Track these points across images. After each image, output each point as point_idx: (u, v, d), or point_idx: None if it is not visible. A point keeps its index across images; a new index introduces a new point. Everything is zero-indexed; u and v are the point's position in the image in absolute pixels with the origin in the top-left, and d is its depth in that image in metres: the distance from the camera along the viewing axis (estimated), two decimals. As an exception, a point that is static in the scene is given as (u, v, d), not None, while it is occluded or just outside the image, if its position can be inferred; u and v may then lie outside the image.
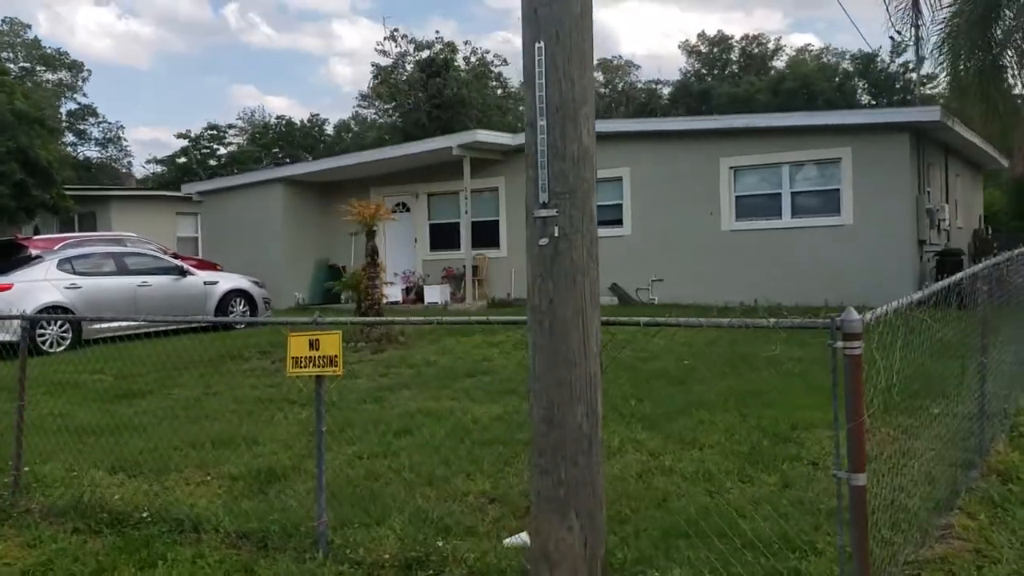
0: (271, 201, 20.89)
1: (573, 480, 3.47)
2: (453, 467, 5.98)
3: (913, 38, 16.30)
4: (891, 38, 18.32)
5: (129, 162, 58.75)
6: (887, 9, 14.75)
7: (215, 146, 53.48)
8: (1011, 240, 23.75)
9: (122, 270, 13.97)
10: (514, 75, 45.55)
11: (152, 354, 11.87)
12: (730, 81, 57.57)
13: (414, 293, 19.83)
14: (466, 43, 36.31)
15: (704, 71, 61.37)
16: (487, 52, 37.35)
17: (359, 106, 55.36)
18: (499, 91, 38.15)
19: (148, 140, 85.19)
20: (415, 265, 20.73)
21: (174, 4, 79.56)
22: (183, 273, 14.67)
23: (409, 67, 36.19)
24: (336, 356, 4.47)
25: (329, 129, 57.76)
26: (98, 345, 13.25)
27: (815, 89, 51.90)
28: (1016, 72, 17.87)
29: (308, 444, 6.73)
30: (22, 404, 5.89)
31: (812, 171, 16.36)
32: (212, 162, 52.77)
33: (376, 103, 55.69)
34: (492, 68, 37.77)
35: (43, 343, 12.72)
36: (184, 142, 52.92)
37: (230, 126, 56.05)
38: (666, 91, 61.46)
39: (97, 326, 12.52)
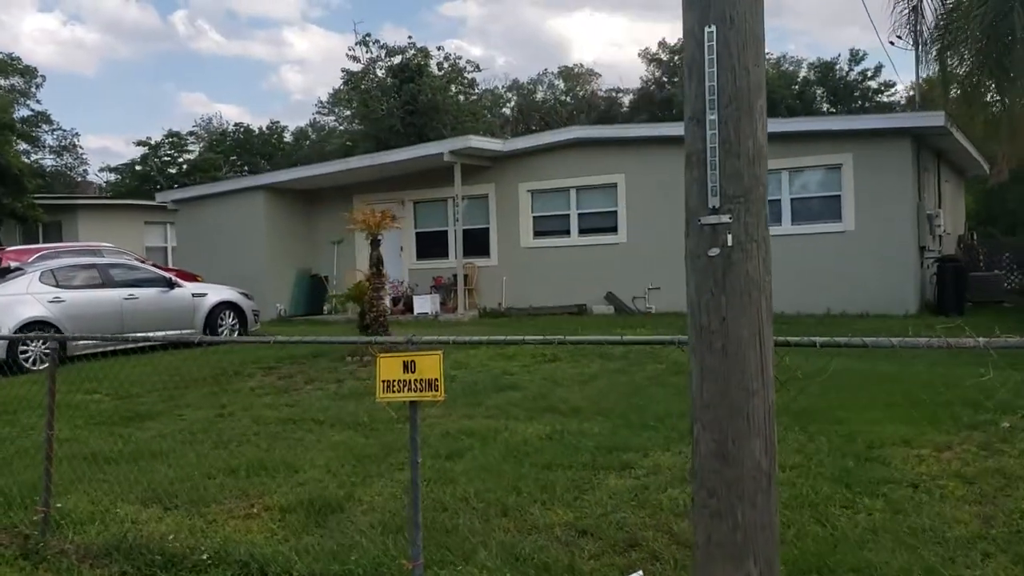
0: (252, 209, 20.25)
1: (751, 523, 3.07)
2: (523, 495, 5.54)
3: (912, 43, 16.20)
4: (891, 43, 18.08)
5: (85, 170, 57.20)
6: (892, 12, 14.65)
7: (176, 154, 52.21)
8: (996, 247, 23.94)
9: (107, 282, 13.29)
10: (485, 81, 45.31)
11: (146, 372, 11.28)
12: (691, 89, 57.66)
13: (403, 303, 19.32)
14: (439, 48, 35.93)
15: (665, 79, 61.56)
16: (459, 58, 36.89)
17: (319, 113, 54.66)
18: (472, 97, 37.69)
19: (96, 148, 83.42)
20: (402, 274, 20.20)
21: (120, 10, 77.92)
22: (171, 285, 14.02)
23: (380, 73, 35.59)
24: (437, 380, 4.02)
25: (288, 137, 56.89)
26: (84, 362, 12.56)
27: (775, 97, 52.23)
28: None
29: (354, 470, 6.29)
30: (51, 433, 5.34)
31: (812, 177, 16.20)
32: (172, 170, 51.58)
33: (336, 110, 55.02)
34: (466, 74, 37.31)
35: (25, 360, 12.04)
36: (143, 149, 51.58)
37: (190, 133, 54.84)
38: (626, 99, 61.50)
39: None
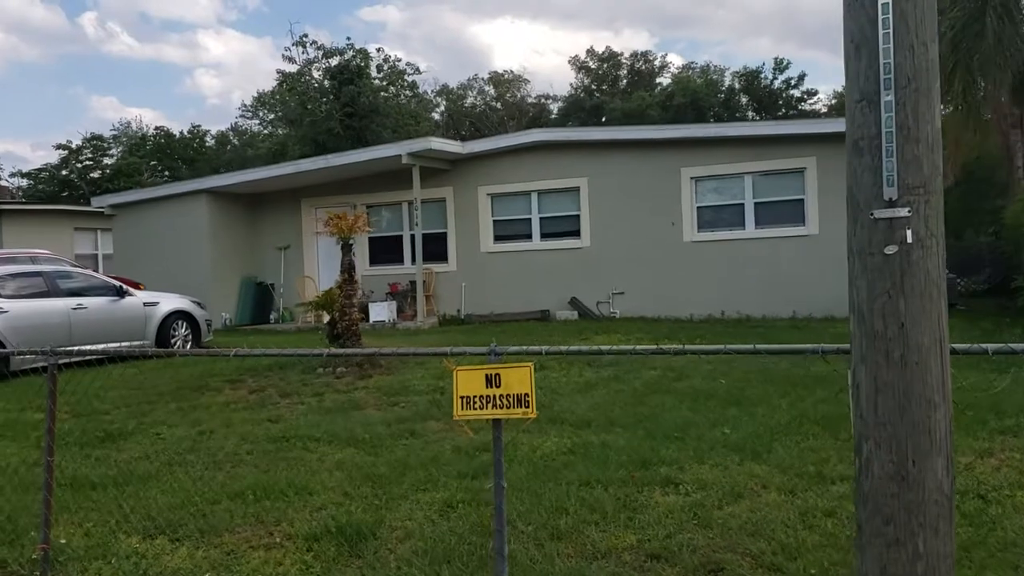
0: (194, 214, 19.37)
1: (933, 552, 2.74)
2: (571, 515, 5.15)
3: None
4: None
5: (-3, 176, 54.60)
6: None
7: (98, 158, 50.26)
8: (951, 250, 24.35)
9: (54, 291, 12.41)
10: (424, 83, 44.65)
11: (102, 387, 10.53)
12: (621, 96, 58.16)
13: (358, 311, 18.63)
14: (379, 50, 35.25)
15: (594, 87, 61.85)
16: (398, 60, 36.24)
17: (242, 116, 53.43)
18: (413, 100, 37.09)
19: (1, 153, 79.91)
20: (335, 282, 19.52)
21: (26, 10, 74.86)
22: (121, 294, 13.19)
23: (318, 74, 34.76)
24: (527, 395, 3.61)
25: (210, 141, 55.35)
26: (30, 376, 11.71)
27: (703, 104, 53.05)
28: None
29: (373, 492, 5.81)
30: (51, 460, 4.73)
31: (776, 181, 16.16)
32: (95, 175, 49.67)
33: (261, 113, 53.78)
34: (407, 76, 36.69)
35: (-35, 376, 11.14)
36: (44, 154, 49.75)
37: (112, 137, 52.86)
38: (555, 106, 61.66)
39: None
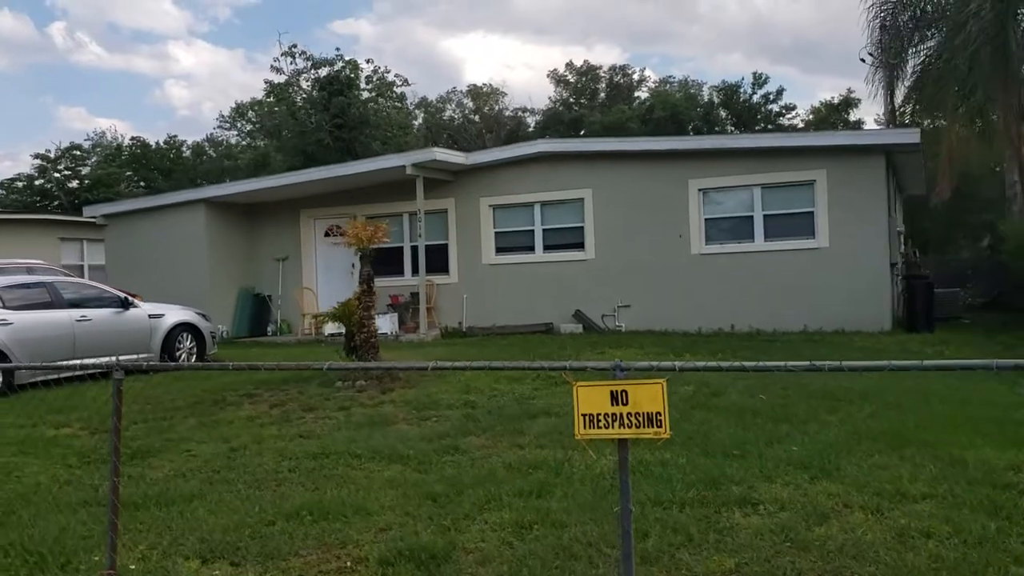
0: (192, 224, 19.03)
1: None
2: (653, 538, 4.94)
3: (883, 62, 16.39)
4: (862, 60, 18.27)
5: (-32, 185, 53.67)
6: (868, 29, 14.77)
7: (76, 168, 49.52)
8: (938, 263, 24.55)
9: (58, 302, 12.04)
10: (423, 91, 44.34)
11: (109, 402, 10.17)
12: (600, 110, 58.27)
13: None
14: (368, 61, 34.89)
15: (572, 100, 61.99)
16: (388, 71, 36.01)
17: (220, 127, 52.99)
18: (401, 111, 36.85)
19: (-37, 163, 78.63)
20: (353, 293, 19.21)
21: None
22: (125, 305, 12.83)
23: (306, 84, 34.44)
24: (660, 413, 3.40)
25: (185, 152, 54.71)
26: (35, 390, 11.35)
27: (683, 118, 53.30)
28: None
29: (435, 512, 5.57)
30: (117, 480, 4.46)
31: (785, 193, 16.10)
32: (73, 184, 48.94)
33: (239, 124, 53.33)
34: (396, 87, 36.46)
35: (-31, 390, 10.76)
36: (10, 163, 48.95)
37: (92, 148, 52.11)
38: (532, 119, 61.69)
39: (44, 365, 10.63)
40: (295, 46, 35.85)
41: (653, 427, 3.41)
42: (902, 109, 21.43)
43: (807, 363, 3.37)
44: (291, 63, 34.35)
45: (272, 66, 34.71)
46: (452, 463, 6.82)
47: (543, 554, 4.80)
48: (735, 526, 5.09)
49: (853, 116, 54.09)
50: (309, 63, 34.33)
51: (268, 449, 7.57)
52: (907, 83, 20.03)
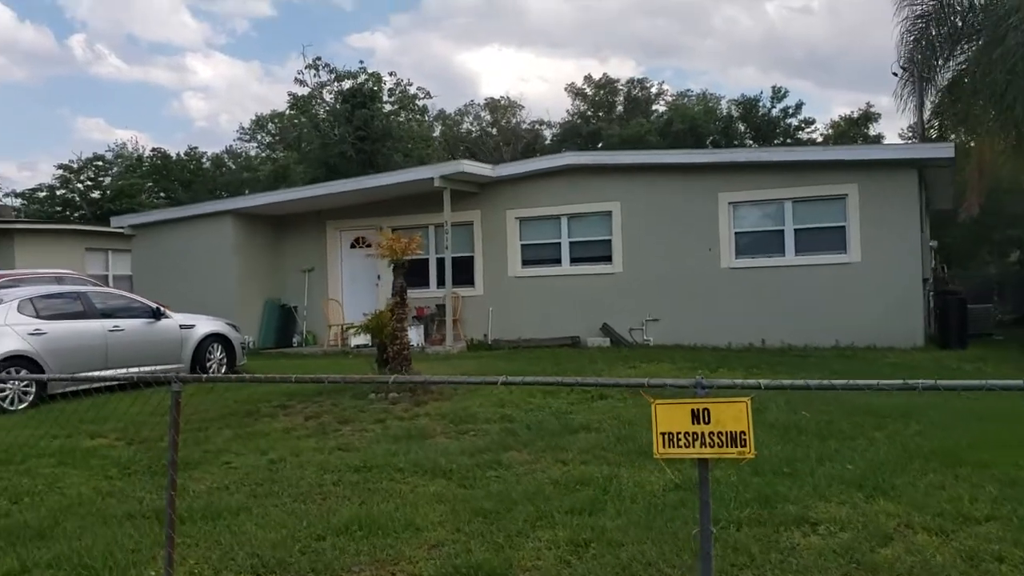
0: (220, 235, 19.08)
1: None
2: (719, 559, 4.83)
3: (915, 76, 16.28)
4: (894, 73, 18.13)
5: (-6, 195, 54.07)
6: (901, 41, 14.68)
7: (99, 178, 49.90)
8: (963, 278, 24.32)
9: (91, 312, 12.06)
10: (441, 104, 44.39)
11: (144, 412, 10.15)
12: (618, 123, 58.25)
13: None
14: (391, 74, 35.03)
15: (590, 113, 62.04)
16: (410, 84, 36.11)
17: (240, 138, 53.37)
18: (424, 124, 36.93)
19: (-5, 174, 79.40)
20: (379, 305, 19.18)
21: (14, 32, 74.61)
22: (157, 315, 12.83)
23: (329, 97, 34.58)
24: (744, 432, 3.31)
25: (205, 163, 55.03)
26: (67, 401, 11.35)
27: (702, 131, 53.21)
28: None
29: (486, 528, 5.49)
30: (174, 494, 4.39)
31: (817, 207, 15.97)
32: (96, 195, 49.31)
33: (259, 136, 53.64)
34: (418, 100, 36.55)
35: (2, 399, 10.77)
36: (60, 173, 49.29)
37: (116, 157, 52.49)
38: (548, 132, 61.78)
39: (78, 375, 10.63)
40: (319, 58, 36.08)
41: (736, 447, 3.32)
42: (931, 123, 21.25)
43: (900, 382, 3.29)
44: (315, 75, 34.51)
45: (296, 78, 34.91)
46: (497, 478, 6.74)
47: (602, 574, 4.71)
48: (796, 547, 4.98)
49: (873, 130, 53.98)
50: (332, 76, 34.45)
51: (308, 462, 7.50)
52: (935, 98, 19.91)
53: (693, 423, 3.37)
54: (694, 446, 3.37)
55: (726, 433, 3.33)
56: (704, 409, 3.36)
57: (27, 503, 6.52)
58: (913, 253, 15.23)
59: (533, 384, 4.45)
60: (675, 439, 3.40)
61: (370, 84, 33.37)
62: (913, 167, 15.17)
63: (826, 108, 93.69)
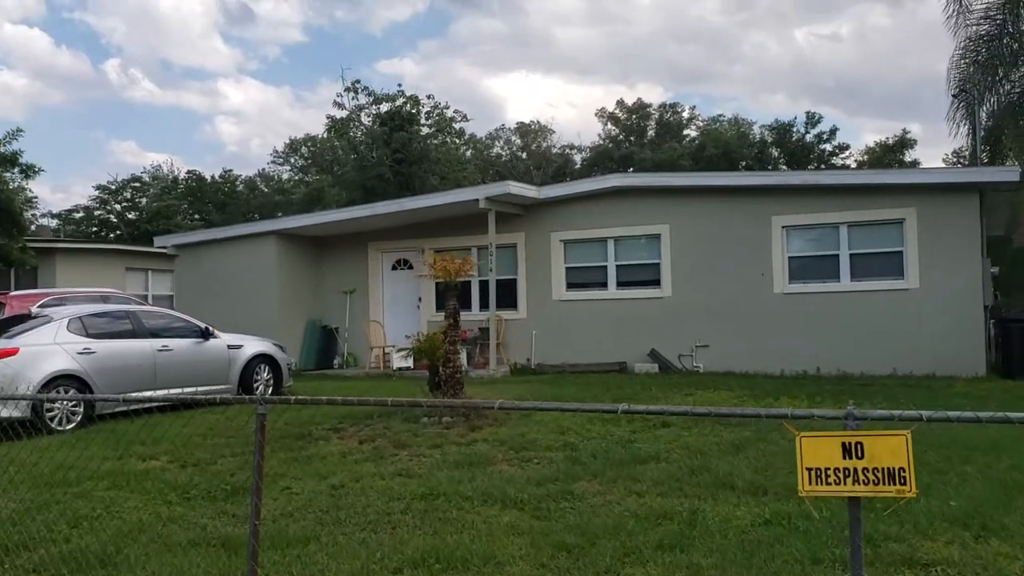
0: (262, 256, 18.98)
1: None
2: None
3: (970, 99, 15.91)
4: (953, 95, 17.79)
5: (34, 214, 54.80)
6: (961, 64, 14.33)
7: (138, 199, 50.38)
8: (1007, 306, 23.70)
9: (140, 332, 11.92)
10: (471, 128, 44.45)
11: (195, 433, 9.96)
12: (649, 147, 58.03)
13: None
14: (429, 97, 35.07)
15: (621, 137, 61.92)
16: (447, 107, 36.11)
17: (274, 161, 53.85)
18: (462, 147, 36.89)
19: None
20: (420, 327, 18.95)
21: (51, 57, 75.97)
22: (206, 336, 12.68)
23: (367, 120, 34.63)
24: (903, 469, 2.99)
25: (239, 186, 55.43)
26: (116, 421, 11.20)
27: (735, 156, 52.87)
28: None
29: (570, 564, 5.19)
30: (257, 523, 4.13)
31: (873, 232, 15.55)
32: (132, 216, 49.79)
33: (292, 159, 54.00)
34: (454, 123, 36.53)
35: (51, 419, 10.61)
36: (96, 193, 49.91)
37: (151, 180, 52.98)
38: (578, 157, 61.73)
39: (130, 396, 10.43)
40: (358, 81, 36.17)
41: (895, 484, 3.00)
42: (984, 148, 20.80)
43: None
44: (353, 98, 34.59)
45: (335, 101, 35.00)
46: (572, 510, 6.42)
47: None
48: (915, 590, 4.63)
49: (909, 156, 53.38)
50: (371, 99, 34.51)
51: (370, 488, 7.24)
52: (988, 121, 19.50)
53: (844, 458, 3.06)
54: (845, 483, 3.06)
55: (882, 469, 3.01)
56: (857, 443, 3.05)
57: (86, 528, 6.30)
58: (974, 279, 14.76)
59: (657, 414, 4.03)
60: (823, 475, 3.09)
61: (408, 107, 33.36)
62: (974, 191, 14.74)
63: (856, 135, 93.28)
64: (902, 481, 2.99)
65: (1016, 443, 8.09)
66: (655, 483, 7.16)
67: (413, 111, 33.26)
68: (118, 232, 48.01)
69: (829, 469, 3.08)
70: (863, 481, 3.03)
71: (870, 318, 15.26)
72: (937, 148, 75.12)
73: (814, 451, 3.10)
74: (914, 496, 3.02)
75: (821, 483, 3.09)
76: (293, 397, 4.44)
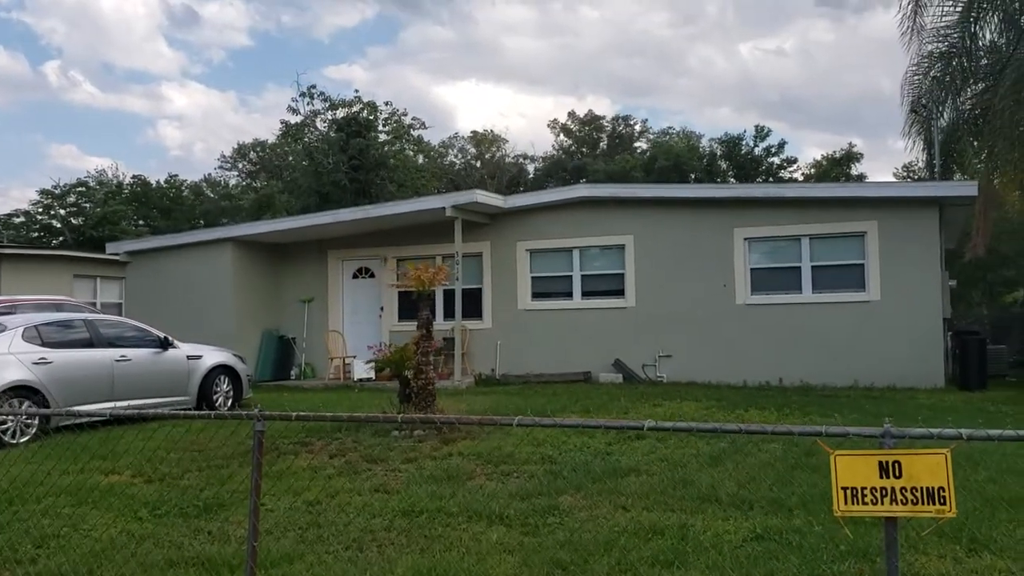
0: (218, 263, 18.58)
1: None
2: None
3: (925, 113, 16.21)
4: (914, 111, 18.10)
5: (-30, 220, 53.06)
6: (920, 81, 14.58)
7: (84, 204, 49.10)
8: (965, 317, 24.18)
9: (98, 341, 11.53)
10: (425, 136, 44.17)
11: (155, 447, 9.63)
12: (602, 159, 58.40)
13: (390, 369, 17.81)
14: (387, 103, 34.68)
15: (574, 148, 62.21)
16: (404, 114, 35.84)
17: (221, 167, 53.04)
18: (418, 154, 36.63)
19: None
20: (381, 337, 18.72)
21: None
22: (165, 346, 12.32)
23: (322, 125, 34.22)
24: (943, 488, 2.93)
25: (185, 191, 54.39)
26: (72, 433, 10.78)
27: (686, 168, 53.44)
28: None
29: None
30: (255, 545, 3.95)
31: (835, 244, 15.75)
32: (78, 221, 48.52)
33: (241, 164, 53.25)
34: (412, 131, 36.25)
35: (4, 432, 10.20)
36: (39, 198, 48.57)
37: (97, 183, 51.75)
38: (532, 166, 61.88)
39: (85, 408, 10.07)
40: (314, 86, 35.73)
41: (935, 504, 2.94)
42: (937, 162, 21.22)
43: None
44: (308, 103, 34.15)
45: (289, 106, 34.52)
46: (560, 526, 6.31)
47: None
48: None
49: (855, 170, 54.44)
50: (327, 104, 34.12)
51: (348, 504, 7.04)
52: (942, 136, 19.90)
53: (882, 477, 2.99)
54: (883, 503, 3.00)
55: (921, 489, 2.95)
56: (895, 462, 2.99)
57: (54, 547, 6.02)
58: (934, 292, 15.01)
59: (684, 431, 3.88)
60: (860, 495, 3.02)
61: (365, 113, 33.04)
62: (934, 205, 15.00)
63: (799, 149, 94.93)
64: (942, 501, 2.94)
65: (988, 455, 8.18)
66: (639, 497, 7.08)
67: (370, 117, 32.93)
68: (62, 238, 46.78)
69: (866, 489, 3.01)
70: (901, 501, 2.97)
71: (831, 330, 15.43)
72: (879, 161, 76.83)
73: (850, 470, 3.04)
74: (954, 516, 2.96)
75: (858, 503, 3.02)
76: (294, 413, 4.25)
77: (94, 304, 25.14)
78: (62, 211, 48.94)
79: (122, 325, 12.63)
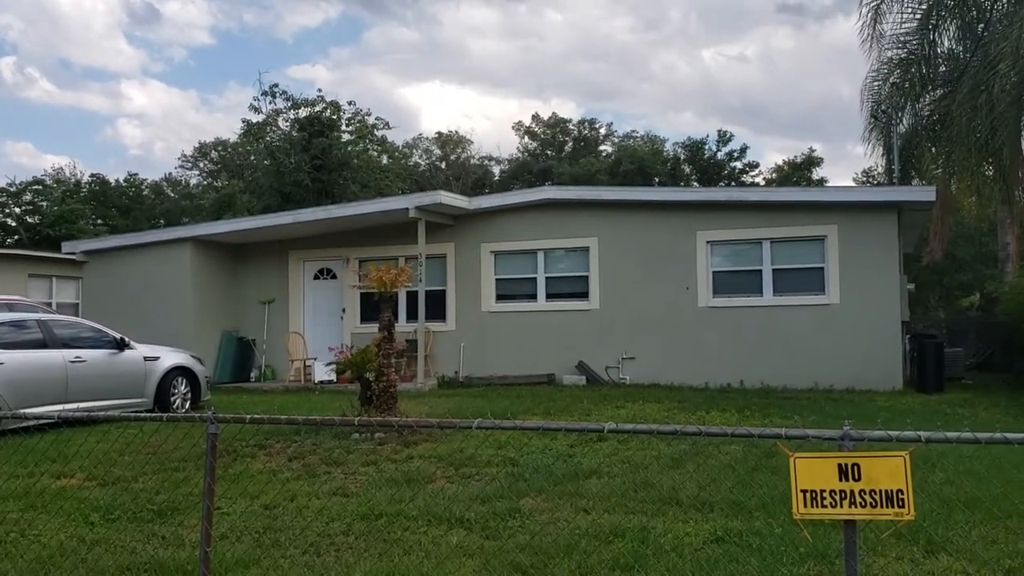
0: (177, 263, 18.31)
1: None
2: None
3: (885, 119, 16.42)
4: (874, 116, 18.34)
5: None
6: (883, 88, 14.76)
7: (41, 203, 48.19)
8: (922, 321, 24.54)
9: (52, 342, 11.26)
10: (389, 136, 43.93)
11: (109, 450, 9.41)
12: (567, 161, 58.56)
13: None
14: (350, 103, 34.33)
15: (539, 150, 62.31)
16: (368, 114, 35.59)
17: (182, 166, 52.37)
18: (384, 155, 36.40)
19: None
20: (343, 338, 18.56)
21: None
22: (122, 347, 12.08)
23: (285, 125, 33.89)
24: (901, 491, 2.93)
25: (145, 190, 53.56)
26: (22, 436, 10.51)
27: (650, 171, 53.77)
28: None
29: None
30: (208, 550, 3.85)
31: (795, 248, 15.89)
32: (34, 220, 47.61)
33: (202, 164, 52.64)
34: (376, 131, 36.01)
35: (-48, 436, 9.92)
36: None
37: (57, 183, 50.81)
38: (497, 168, 61.88)
39: (35, 411, 9.80)
40: (276, 85, 35.38)
41: (892, 507, 2.93)
42: (896, 167, 21.54)
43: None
44: (270, 103, 33.80)
45: (251, 105, 34.11)
46: (521, 529, 6.26)
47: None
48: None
49: (816, 175, 55.11)
50: (289, 103, 33.80)
51: (306, 508, 6.93)
52: (900, 141, 20.18)
53: (841, 480, 2.98)
54: (841, 506, 2.98)
55: (880, 492, 2.94)
56: (854, 464, 2.98)
57: (0, 553, 5.84)
58: (892, 296, 15.20)
59: (645, 433, 3.84)
60: (819, 498, 3.01)
61: (328, 113, 32.76)
62: (893, 209, 15.19)
63: (761, 154, 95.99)
64: (900, 504, 2.93)
65: (945, 457, 8.26)
66: (600, 499, 7.06)
67: (334, 117, 32.66)
68: (17, 237, 45.87)
69: (825, 491, 3.00)
70: (860, 503, 2.96)
71: (792, 333, 15.56)
72: (838, 167, 77.93)
73: (809, 472, 3.02)
74: (912, 519, 2.96)
75: (817, 506, 3.00)
76: (248, 416, 4.16)
77: (50, 304, 24.64)
78: (17, 209, 47.94)
79: (77, 326, 12.37)
